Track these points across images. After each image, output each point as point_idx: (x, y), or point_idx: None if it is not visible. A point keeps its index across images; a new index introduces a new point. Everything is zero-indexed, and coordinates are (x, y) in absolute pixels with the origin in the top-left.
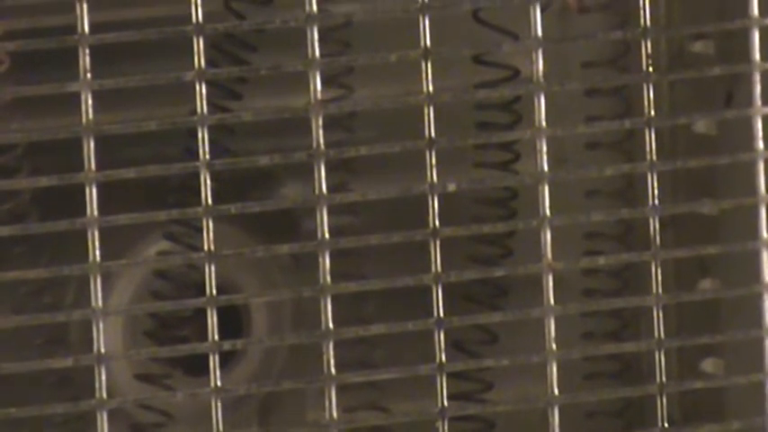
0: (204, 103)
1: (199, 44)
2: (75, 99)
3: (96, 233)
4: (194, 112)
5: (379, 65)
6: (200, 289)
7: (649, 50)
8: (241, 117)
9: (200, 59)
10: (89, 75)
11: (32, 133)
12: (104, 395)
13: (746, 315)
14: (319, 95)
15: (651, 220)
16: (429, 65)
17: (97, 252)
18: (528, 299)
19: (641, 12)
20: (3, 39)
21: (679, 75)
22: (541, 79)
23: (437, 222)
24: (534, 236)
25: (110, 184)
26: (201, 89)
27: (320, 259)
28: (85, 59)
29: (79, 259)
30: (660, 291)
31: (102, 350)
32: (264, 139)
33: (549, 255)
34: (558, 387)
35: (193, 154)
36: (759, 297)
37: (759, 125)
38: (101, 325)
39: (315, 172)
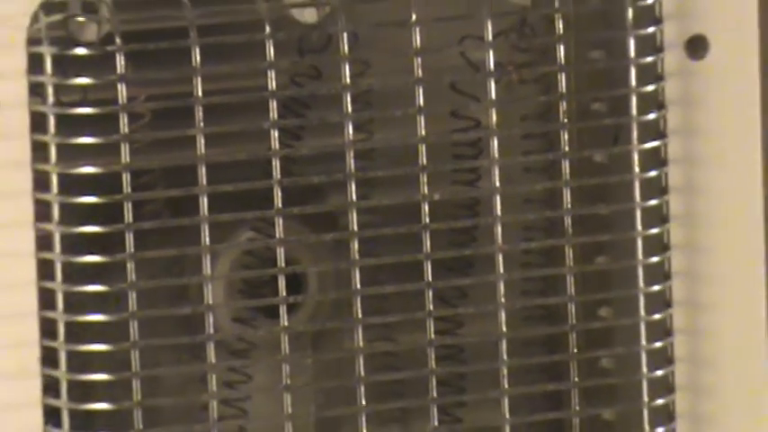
0: (276, 141)
1: (273, 104)
2: (192, 138)
3: (206, 226)
4: (270, 147)
5: (389, 117)
6: (274, 262)
7: (564, 108)
8: (300, 151)
9: (273, 113)
10: (202, 123)
11: (165, 161)
12: (212, 331)
13: (628, 279)
14: (351, 137)
15: (565, 218)
16: (422, 118)
17: (207, 238)
18: (486, 269)
19: (559, 83)
20: (145, 101)
21: (584, 124)
22: (494, 127)
23: (427, 219)
24: (490, 228)
25: (215, 194)
26: (275, 133)
27: (351, 244)
28: (199, 113)
29: (195, 242)
30: (571, 263)
31: (210, 302)
32: (316, 165)
33: (500, 240)
34: (506, 326)
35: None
36: (635, 268)
37: (636, 157)
38: (209, 286)
39: (348, 187)
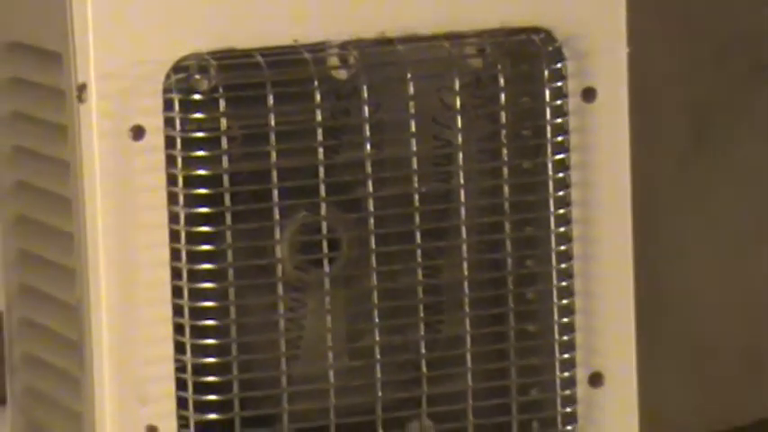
0: (321, 154)
1: (319, 131)
2: (268, 153)
3: (277, 209)
4: (317, 158)
5: (393, 138)
6: (320, 231)
7: (505, 133)
8: (337, 161)
9: (319, 136)
10: (274, 143)
11: (251, 167)
12: (280, 275)
13: (545, 242)
14: (369, 151)
15: (505, 204)
16: (414, 139)
17: (276, 216)
18: (455, 236)
19: (501, 117)
20: (238, 129)
21: (517, 143)
22: (460, 145)
23: (418, 204)
24: (458, 210)
25: (283, 188)
26: (320, 149)
27: (369, 220)
28: (272, 137)
29: (270, 219)
30: (509, 232)
31: (280, 256)
32: (347, 169)
33: (464, 217)
34: (467, 271)
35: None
36: (550, 235)
37: (550, 164)
38: (278, 247)
39: (366, 183)
